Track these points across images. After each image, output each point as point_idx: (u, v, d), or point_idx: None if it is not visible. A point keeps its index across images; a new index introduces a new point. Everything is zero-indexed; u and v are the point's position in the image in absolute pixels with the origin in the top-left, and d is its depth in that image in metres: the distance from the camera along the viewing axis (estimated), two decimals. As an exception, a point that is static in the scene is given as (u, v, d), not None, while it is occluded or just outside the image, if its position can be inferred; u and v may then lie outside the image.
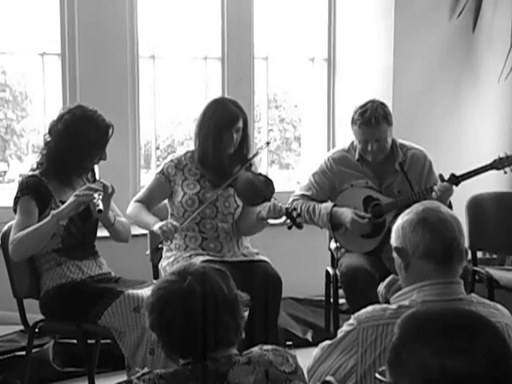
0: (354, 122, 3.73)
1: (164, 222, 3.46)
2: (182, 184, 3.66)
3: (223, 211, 3.67)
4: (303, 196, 3.92)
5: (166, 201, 3.77)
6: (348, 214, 3.75)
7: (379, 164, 3.82)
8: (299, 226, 3.52)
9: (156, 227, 3.47)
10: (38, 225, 3.16)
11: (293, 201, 3.95)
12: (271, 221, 3.63)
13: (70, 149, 3.27)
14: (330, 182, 3.90)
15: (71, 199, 3.14)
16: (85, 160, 3.33)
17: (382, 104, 3.74)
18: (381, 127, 3.67)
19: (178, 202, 3.65)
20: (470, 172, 3.67)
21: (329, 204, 3.84)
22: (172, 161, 3.70)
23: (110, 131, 3.33)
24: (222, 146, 3.59)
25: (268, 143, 3.81)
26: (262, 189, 3.56)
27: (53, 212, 3.14)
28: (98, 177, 3.33)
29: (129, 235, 3.53)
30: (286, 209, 3.50)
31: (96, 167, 3.36)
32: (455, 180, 3.64)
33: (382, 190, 3.83)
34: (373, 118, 3.65)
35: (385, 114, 3.69)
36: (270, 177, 3.65)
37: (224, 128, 3.57)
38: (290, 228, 3.54)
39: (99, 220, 3.39)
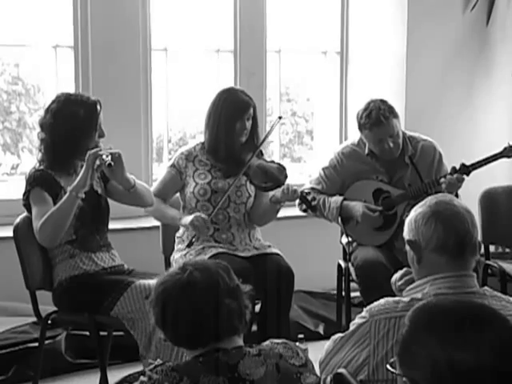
0: (363, 126, 3.70)
1: (194, 217, 3.47)
2: (194, 175, 3.67)
3: (235, 200, 3.67)
4: (313, 189, 3.90)
5: (178, 194, 3.78)
6: (359, 208, 3.75)
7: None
8: (314, 209, 3.62)
9: (187, 222, 3.49)
10: (57, 205, 3.16)
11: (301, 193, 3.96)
12: (279, 216, 3.64)
13: (65, 134, 3.27)
14: (340, 176, 3.89)
15: (83, 169, 3.16)
16: (82, 140, 3.30)
17: (382, 101, 3.71)
18: (391, 122, 3.66)
19: (190, 192, 3.65)
20: (481, 161, 3.68)
21: (339, 198, 3.83)
22: (182, 153, 3.73)
23: (98, 106, 3.33)
24: (235, 135, 3.61)
25: (280, 117, 3.79)
26: (276, 174, 3.60)
27: (69, 188, 3.15)
28: None
29: (152, 198, 3.54)
30: (301, 192, 3.54)
31: (102, 145, 3.34)
32: (466, 170, 3.66)
33: (392, 184, 3.82)
34: (381, 116, 3.63)
35: (390, 109, 3.68)
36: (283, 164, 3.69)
37: (236, 116, 3.60)
38: (305, 211, 3.68)
39: (119, 184, 3.36)
